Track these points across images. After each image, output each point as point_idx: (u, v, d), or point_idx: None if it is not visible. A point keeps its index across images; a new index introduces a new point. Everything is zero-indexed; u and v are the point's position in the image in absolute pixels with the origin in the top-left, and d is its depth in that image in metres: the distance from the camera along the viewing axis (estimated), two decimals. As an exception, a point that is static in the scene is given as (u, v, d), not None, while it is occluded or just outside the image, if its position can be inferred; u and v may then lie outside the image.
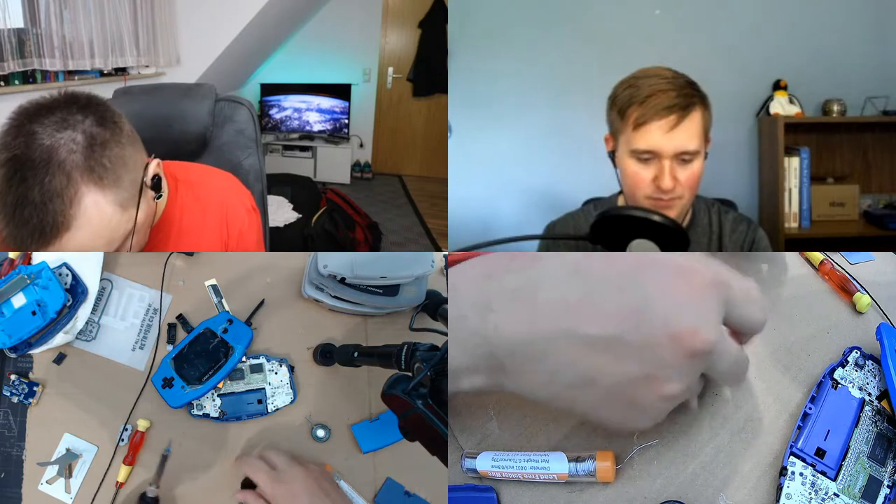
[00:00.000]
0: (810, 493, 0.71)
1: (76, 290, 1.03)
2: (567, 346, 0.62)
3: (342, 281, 1.10)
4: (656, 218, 1.07)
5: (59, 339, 1.02)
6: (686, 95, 1.22)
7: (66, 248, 0.81)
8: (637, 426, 0.68)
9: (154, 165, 0.92)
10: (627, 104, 1.24)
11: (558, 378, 0.63)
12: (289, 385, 1.11)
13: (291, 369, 1.12)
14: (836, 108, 2.52)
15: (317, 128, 5.06)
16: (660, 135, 1.21)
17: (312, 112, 5.05)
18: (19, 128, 0.79)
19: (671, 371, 0.62)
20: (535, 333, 0.62)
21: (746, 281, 0.67)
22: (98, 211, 0.81)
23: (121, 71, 3.02)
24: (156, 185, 0.93)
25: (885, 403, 0.76)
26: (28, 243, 0.79)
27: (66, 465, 0.99)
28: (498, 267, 0.66)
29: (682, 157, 1.22)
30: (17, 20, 2.50)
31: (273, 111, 5.06)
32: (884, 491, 0.72)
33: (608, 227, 1.12)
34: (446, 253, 1.14)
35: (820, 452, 0.73)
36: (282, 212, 3.26)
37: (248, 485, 0.96)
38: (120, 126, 0.86)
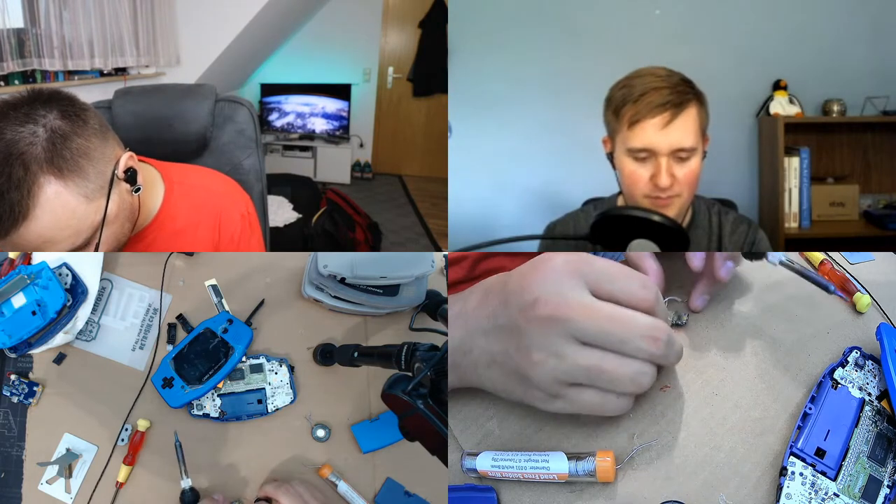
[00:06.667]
0: (810, 493, 0.71)
1: (76, 290, 1.03)
2: (475, 339, 0.80)
3: (342, 281, 1.10)
4: (656, 218, 1.07)
5: (59, 339, 1.02)
6: (680, 92, 1.21)
7: (30, 237, 0.84)
8: (535, 401, 0.77)
9: (126, 158, 0.93)
10: (622, 103, 1.24)
11: (477, 365, 0.80)
12: (289, 385, 1.11)
13: (291, 369, 1.12)
14: (836, 108, 2.52)
15: (319, 130, 5.06)
16: (654, 132, 1.20)
17: (318, 118, 5.04)
18: None
19: (530, 340, 0.73)
20: (463, 336, 0.81)
21: (614, 264, 0.77)
22: (60, 201, 0.84)
23: (121, 71, 3.02)
24: (130, 178, 0.94)
25: (885, 403, 0.76)
26: None
27: (66, 465, 0.99)
28: (469, 295, 0.84)
29: (679, 155, 1.22)
30: (17, 20, 2.50)
31: (274, 116, 5.04)
32: (884, 491, 0.72)
33: (608, 226, 1.12)
34: (446, 253, 1.14)
35: (820, 452, 0.73)
36: (282, 212, 3.26)
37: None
38: (84, 119, 0.88)
